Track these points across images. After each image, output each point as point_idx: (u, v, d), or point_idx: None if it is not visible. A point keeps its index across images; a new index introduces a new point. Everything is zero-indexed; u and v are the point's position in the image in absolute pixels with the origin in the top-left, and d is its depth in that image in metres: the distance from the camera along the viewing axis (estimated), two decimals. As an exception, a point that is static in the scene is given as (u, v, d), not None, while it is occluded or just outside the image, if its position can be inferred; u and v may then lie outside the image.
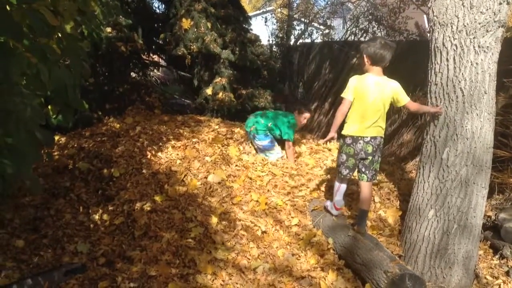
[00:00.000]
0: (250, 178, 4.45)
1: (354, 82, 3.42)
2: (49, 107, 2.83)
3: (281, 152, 5.17)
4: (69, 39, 2.20)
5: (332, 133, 3.48)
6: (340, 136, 3.59)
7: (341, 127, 3.54)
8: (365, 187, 3.55)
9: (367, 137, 3.43)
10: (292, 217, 3.91)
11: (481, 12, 3.00)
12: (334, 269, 3.29)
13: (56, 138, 4.99)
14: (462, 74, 3.09)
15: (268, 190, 4.31)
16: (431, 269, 3.30)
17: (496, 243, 3.78)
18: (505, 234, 3.71)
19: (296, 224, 3.83)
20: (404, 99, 3.42)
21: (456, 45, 3.10)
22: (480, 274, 3.47)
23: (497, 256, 3.69)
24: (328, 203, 3.87)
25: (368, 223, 3.84)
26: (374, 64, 3.40)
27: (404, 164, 5.43)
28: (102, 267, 3.15)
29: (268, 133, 5.08)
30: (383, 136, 3.53)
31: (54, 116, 2.71)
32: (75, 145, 4.75)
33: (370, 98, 3.37)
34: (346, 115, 3.47)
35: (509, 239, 3.69)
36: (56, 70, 1.95)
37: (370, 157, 3.48)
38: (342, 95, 3.47)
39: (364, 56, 3.42)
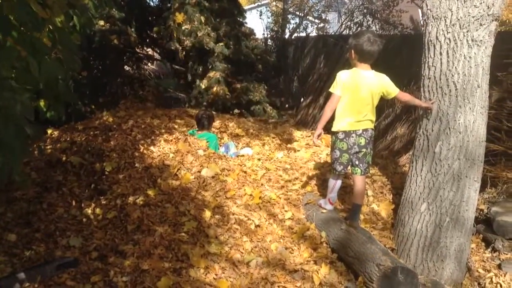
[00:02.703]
0: (244, 172, 4.45)
1: (343, 76, 3.40)
2: (42, 102, 2.81)
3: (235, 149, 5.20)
4: (60, 32, 2.18)
5: (320, 130, 3.47)
6: (331, 133, 3.58)
7: (330, 124, 3.54)
8: (358, 180, 3.55)
9: (359, 130, 3.43)
10: (285, 211, 3.91)
11: (474, 5, 3.00)
12: (327, 262, 3.29)
13: (49, 131, 4.96)
14: (455, 68, 3.09)
15: (262, 184, 4.30)
16: (424, 263, 3.31)
17: (488, 236, 3.80)
18: (497, 228, 3.73)
19: (289, 218, 3.82)
20: (394, 91, 3.43)
21: (449, 38, 3.09)
22: (472, 267, 3.49)
23: (489, 249, 3.72)
24: (322, 201, 3.87)
25: (361, 216, 3.84)
26: (362, 61, 3.39)
27: (398, 158, 5.44)
28: (95, 261, 3.14)
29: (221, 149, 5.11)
30: (373, 128, 3.54)
31: (45, 110, 2.70)
32: (68, 139, 4.73)
33: (359, 92, 3.36)
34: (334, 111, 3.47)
35: (501, 232, 3.71)
36: (46, 63, 1.93)
37: (364, 150, 3.48)
38: (331, 90, 3.44)
39: (352, 51, 3.40)
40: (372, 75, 3.40)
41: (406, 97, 3.51)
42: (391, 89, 3.42)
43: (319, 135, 3.49)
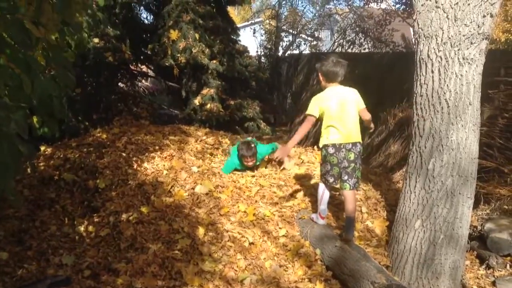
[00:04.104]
0: (238, 189, 4.44)
1: (318, 99, 3.62)
2: (34, 119, 2.80)
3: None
4: (54, 49, 2.19)
5: (290, 150, 3.61)
6: (321, 148, 3.65)
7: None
8: (348, 195, 3.57)
9: (348, 144, 3.51)
10: (279, 228, 3.90)
11: (465, 24, 3.04)
12: (322, 280, 3.27)
13: (42, 148, 4.95)
14: (447, 85, 3.12)
15: (256, 201, 4.29)
16: (418, 280, 3.30)
17: (482, 253, 3.80)
18: (491, 244, 3.74)
19: (283, 235, 3.81)
20: (362, 105, 3.62)
21: (441, 57, 3.13)
22: (467, 284, 3.48)
23: (483, 266, 3.72)
24: (314, 216, 3.88)
25: (356, 233, 3.83)
26: (329, 81, 3.61)
27: (391, 175, 5.46)
28: (87, 280, 3.11)
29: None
30: (361, 142, 3.63)
31: (38, 127, 2.69)
32: (61, 156, 4.71)
33: (338, 105, 3.51)
34: (321, 129, 3.63)
35: (495, 249, 3.71)
36: (39, 80, 1.93)
37: (352, 164, 3.53)
38: (307, 112, 3.63)
39: (320, 74, 3.65)
40: (344, 88, 3.61)
41: (366, 116, 3.67)
42: (361, 103, 3.62)
43: (285, 156, 3.58)
